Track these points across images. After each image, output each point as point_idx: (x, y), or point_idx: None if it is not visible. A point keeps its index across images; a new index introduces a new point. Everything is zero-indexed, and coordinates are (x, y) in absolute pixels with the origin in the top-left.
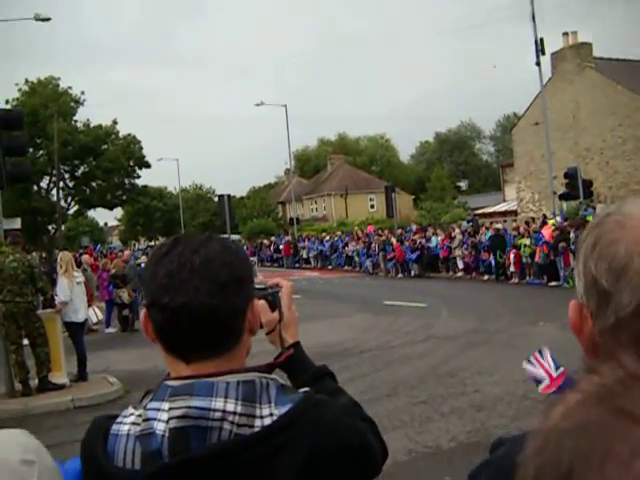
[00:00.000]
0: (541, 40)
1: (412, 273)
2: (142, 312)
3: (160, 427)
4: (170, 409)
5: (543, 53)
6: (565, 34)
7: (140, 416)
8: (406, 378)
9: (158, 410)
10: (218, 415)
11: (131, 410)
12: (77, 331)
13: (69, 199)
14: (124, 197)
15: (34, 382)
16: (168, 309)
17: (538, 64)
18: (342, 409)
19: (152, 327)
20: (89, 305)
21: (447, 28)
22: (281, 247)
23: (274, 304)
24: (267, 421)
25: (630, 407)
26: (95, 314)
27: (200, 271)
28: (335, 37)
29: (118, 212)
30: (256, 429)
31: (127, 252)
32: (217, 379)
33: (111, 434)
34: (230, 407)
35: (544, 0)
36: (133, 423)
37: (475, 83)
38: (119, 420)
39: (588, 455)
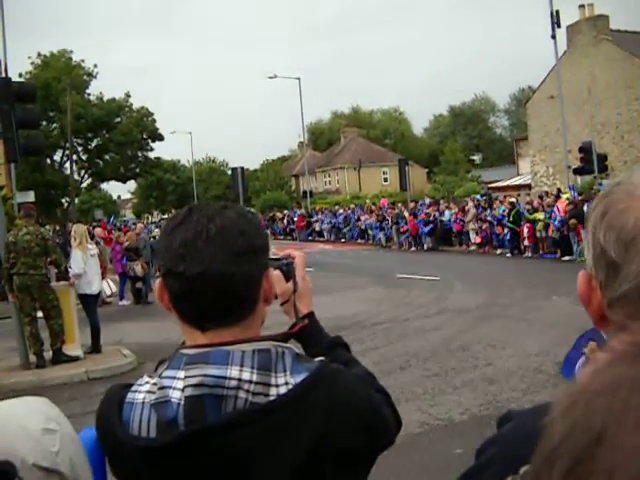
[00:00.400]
0: (557, 12)
1: (425, 246)
2: (157, 281)
3: (176, 395)
4: (186, 377)
5: (559, 26)
6: (581, 6)
7: (155, 384)
8: (419, 351)
9: (174, 378)
10: (234, 384)
11: (146, 379)
12: (91, 303)
13: (82, 172)
14: (137, 170)
15: (48, 354)
16: (184, 277)
17: (554, 37)
18: (357, 378)
19: (168, 296)
20: (102, 278)
21: (460, 1)
22: (295, 220)
23: (288, 274)
24: (282, 390)
25: None
26: (109, 286)
27: (216, 239)
28: (350, 10)
29: (131, 185)
30: (271, 398)
31: (140, 225)
32: (233, 347)
33: (126, 402)
34: (246, 376)
35: None
36: (148, 391)
37: (490, 56)
38: (134, 389)
39: (622, 414)
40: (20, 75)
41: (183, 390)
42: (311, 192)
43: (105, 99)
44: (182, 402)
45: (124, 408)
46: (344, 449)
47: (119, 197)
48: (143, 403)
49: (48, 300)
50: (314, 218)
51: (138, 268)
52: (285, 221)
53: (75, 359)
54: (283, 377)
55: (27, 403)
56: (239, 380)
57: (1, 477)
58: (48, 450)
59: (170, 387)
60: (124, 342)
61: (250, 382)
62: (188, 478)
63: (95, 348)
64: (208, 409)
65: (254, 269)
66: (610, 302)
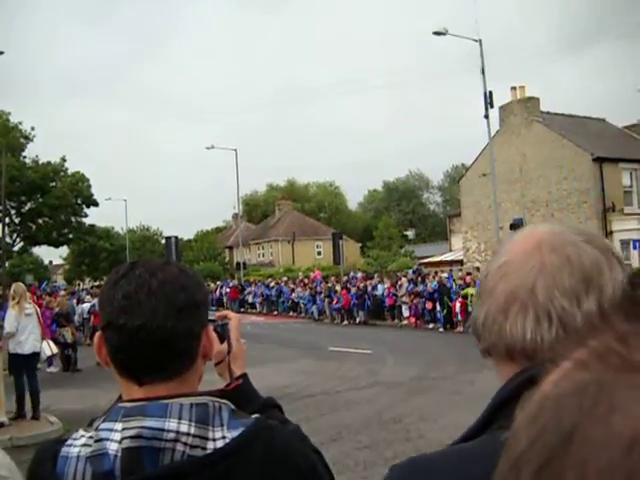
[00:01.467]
0: (490, 93)
1: (357, 320)
2: (97, 335)
3: (113, 447)
4: (123, 429)
5: (492, 106)
6: (513, 88)
7: (91, 437)
8: (351, 423)
9: (111, 430)
10: (172, 436)
11: (81, 432)
12: (20, 365)
13: (14, 235)
14: (70, 235)
15: None
16: (125, 330)
17: (487, 117)
18: (293, 434)
19: (106, 349)
20: (43, 339)
21: (401, 78)
22: (227, 291)
23: (223, 335)
24: (220, 443)
25: (632, 358)
26: (50, 347)
27: (157, 293)
28: (287, 87)
29: (64, 251)
30: (209, 451)
31: (62, 293)
32: (171, 401)
33: (60, 456)
34: (184, 428)
35: (495, 54)
36: (84, 444)
37: (425, 133)
38: (69, 443)
39: (591, 411)
40: None
41: (120, 442)
42: (244, 264)
43: (41, 162)
44: (119, 454)
45: (58, 462)
46: None
47: (50, 262)
48: (78, 457)
49: None
50: (247, 290)
51: (68, 334)
52: (217, 292)
53: (2, 425)
54: (220, 431)
55: None
56: (177, 432)
57: None
58: None
59: (107, 439)
60: (51, 409)
61: (188, 434)
62: None
63: (35, 412)
64: (145, 461)
65: (194, 324)
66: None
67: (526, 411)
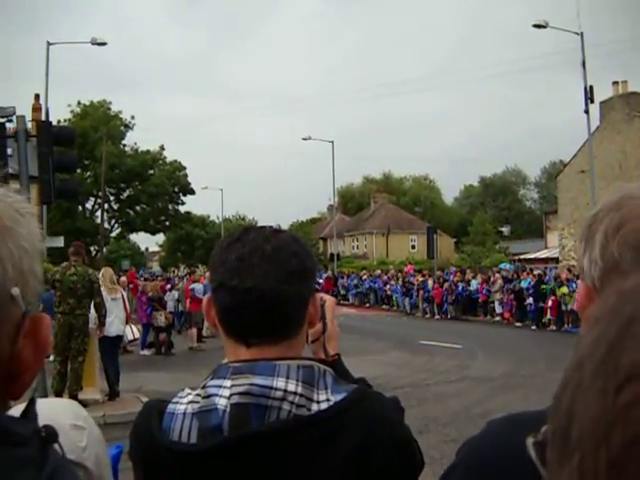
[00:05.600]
0: (591, 88)
1: (449, 315)
2: (206, 297)
3: (222, 402)
4: (232, 386)
5: (592, 101)
6: (615, 83)
7: (199, 395)
8: (438, 416)
9: (219, 387)
10: (279, 394)
11: (188, 390)
12: (107, 346)
13: (112, 222)
14: (167, 223)
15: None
16: (237, 291)
17: (587, 112)
18: (392, 404)
19: (215, 311)
20: (127, 323)
21: (497, 72)
22: (321, 282)
23: (320, 315)
24: (324, 405)
25: None
26: (132, 332)
27: (270, 257)
28: (384, 78)
29: (160, 238)
30: (313, 412)
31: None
32: (278, 362)
33: (167, 413)
34: (291, 387)
35: (595, 48)
36: (191, 402)
37: (522, 128)
38: (175, 400)
39: None
40: (59, 122)
41: (229, 398)
42: (338, 255)
43: (140, 150)
44: (228, 409)
45: (164, 418)
46: (380, 467)
47: (147, 249)
48: (184, 413)
49: (83, 342)
50: (340, 282)
51: (162, 319)
52: None
53: (86, 405)
54: (324, 394)
55: (59, 402)
56: (285, 391)
57: (46, 439)
58: (75, 444)
59: (216, 395)
60: (143, 390)
61: (295, 394)
62: None
63: (112, 392)
64: (253, 418)
65: (304, 290)
66: None
67: (592, 315)
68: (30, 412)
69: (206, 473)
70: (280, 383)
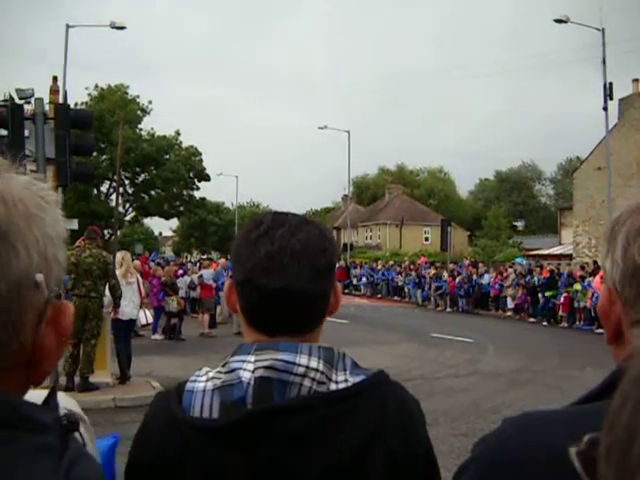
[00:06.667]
0: (610, 85)
1: (461, 308)
2: (227, 282)
3: (246, 376)
4: (256, 360)
5: (611, 98)
6: (635, 80)
7: (220, 372)
8: (448, 410)
9: (243, 362)
10: (301, 370)
11: (206, 369)
12: (120, 329)
13: (127, 205)
14: (181, 208)
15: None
16: (266, 290)
17: (605, 109)
18: (409, 393)
19: (239, 301)
20: (140, 307)
21: (515, 66)
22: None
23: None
24: (342, 386)
25: None
26: (145, 316)
27: (300, 256)
28: (400, 71)
29: (174, 223)
30: (333, 390)
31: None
32: (300, 343)
33: (186, 391)
34: (313, 364)
35: (616, 44)
36: (212, 378)
37: (539, 124)
38: (193, 379)
39: None
40: (76, 105)
41: (253, 372)
42: (352, 245)
43: (156, 135)
44: (252, 382)
45: (184, 396)
46: (395, 451)
47: (160, 234)
48: (204, 390)
49: (97, 325)
50: (352, 272)
51: (174, 304)
52: None
53: (96, 388)
54: (343, 375)
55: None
56: (307, 368)
57: (68, 427)
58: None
59: (240, 369)
60: (154, 375)
61: (317, 370)
62: (246, 460)
63: (123, 375)
64: (275, 392)
65: (328, 285)
66: (636, 321)
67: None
68: (51, 400)
69: (228, 448)
70: (303, 359)
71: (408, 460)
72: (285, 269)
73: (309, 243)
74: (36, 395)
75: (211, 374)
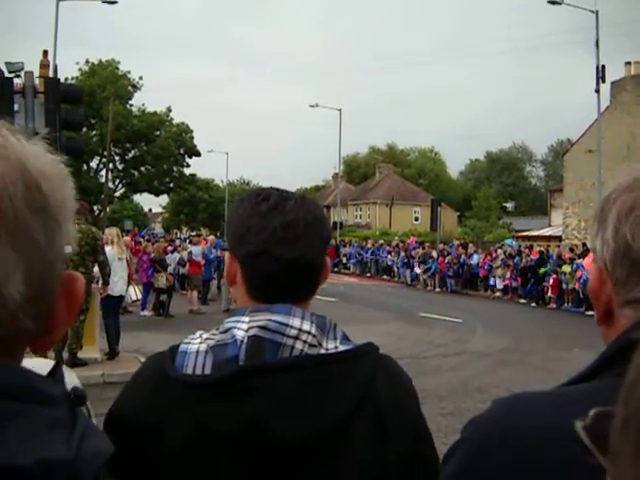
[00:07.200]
0: (603, 67)
1: (450, 288)
2: (229, 256)
3: (240, 334)
4: (250, 321)
5: (604, 81)
6: (627, 63)
7: (214, 334)
8: (435, 389)
9: (238, 322)
10: (294, 332)
11: (200, 332)
12: (109, 305)
13: (117, 181)
14: (171, 185)
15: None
16: (280, 260)
17: (597, 91)
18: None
19: (246, 273)
20: (129, 284)
21: (507, 48)
22: None
23: None
24: (331, 352)
25: None
26: (135, 292)
27: (312, 228)
28: (392, 50)
29: (163, 199)
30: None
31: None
32: (294, 306)
33: (179, 352)
34: (306, 326)
35: (609, 28)
36: (206, 339)
37: (530, 105)
38: (186, 341)
39: None
40: (66, 80)
41: (247, 331)
42: (341, 224)
43: (147, 111)
44: (245, 340)
45: (177, 357)
46: (384, 417)
47: (150, 210)
48: (198, 351)
49: (85, 301)
50: (343, 250)
51: (163, 280)
52: None
53: (84, 364)
54: (333, 343)
55: (46, 362)
56: (299, 330)
57: (75, 401)
58: None
59: (234, 328)
60: (142, 351)
61: (309, 333)
62: (233, 416)
63: (112, 351)
64: (267, 352)
65: (325, 257)
66: (627, 301)
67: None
68: (57, 373)
69: (217, 403)
70: (296, 322)
71: (398, 428)
72: (299, 240)
73: (317, 216)
74: (35, 364)
75: (205, 336)
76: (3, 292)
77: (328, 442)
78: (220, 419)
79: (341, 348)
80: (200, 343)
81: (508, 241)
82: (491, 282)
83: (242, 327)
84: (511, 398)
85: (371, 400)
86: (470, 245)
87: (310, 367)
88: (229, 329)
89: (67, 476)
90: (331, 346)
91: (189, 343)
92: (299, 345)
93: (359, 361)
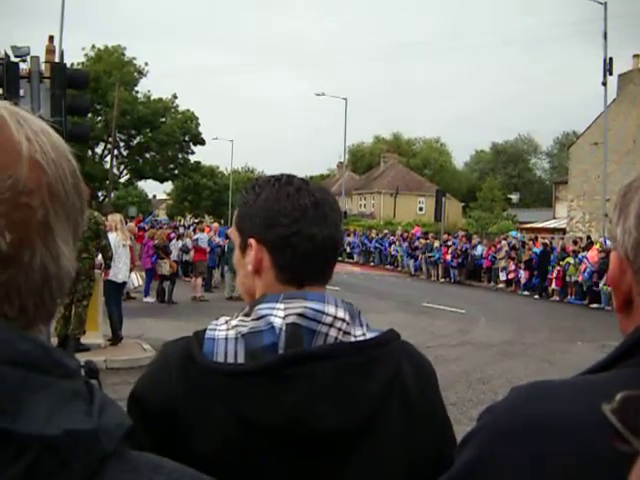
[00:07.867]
0: (610, 60)
1: (453, 279)
2: (254, 242)
3: (277, 322)
4: (286, 308)
5: (611, 73)
6: (636, 56)
7: (243, 320)
8: (438, 379)
9: (273, 309)
10: (329, 320)
11: (224, 319)
12: (113, 291)
13: (122, 168)
14: (176, 171)
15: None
16: (317, 239)
17: (604, 84)
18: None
19: (277, 257)
20: (131, 270)
21: (515, 38)
22: None
23: None
24: (361, 339)
25: None
26: (137, 279)
27: (335, 208)
28: (399, 40)
29: (168, 186)
30: (359, 339)
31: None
32: (325, 293)
33: (207, 339)
34: (340, 314)
35: (617, 19)
36: (235, 326)
37: (536, 97)
38: (211, 328)
39: None
40: (72, 65)
41: (284, 318)
42: (346, 213)
43: (152, 98)
44: (284, 328)
45: (205, 344)
46: (413, 401)
47: (154, 196)
48: (227, 338)
49: (88, 286)
50: (346, 240)
51: (166, 267)
52: None
53: (88, 349)
54: (360, 330)
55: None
56: (334, 317)
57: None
58: None
59: (270, 315)
60: (145, 337)
61: (343, 320)
62: (276, 406)
63: (115, 337)
64: (304, 340)
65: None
66: None
67: None
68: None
69: (258, 393)
70: (331, 309)
71: (424, 410)
72: (327, 218)
73: (334, 198)
74: None
75: (233, 322)
76: (62, 265)
77: (365, 429)
78: (260, 408)
79: (369, 335)
80: (228, 330)
81: (513, 233)
82: (502, 277)
83: (279, 314)
84: (530, 386)
85: (401, 385)
86: (474, 236)
87: (347, 355)
88: (264, 316)
89: (91, 446)
90: (359, 333)
91: (215, 329)
92: (333, 332)
93: (389, 347)
